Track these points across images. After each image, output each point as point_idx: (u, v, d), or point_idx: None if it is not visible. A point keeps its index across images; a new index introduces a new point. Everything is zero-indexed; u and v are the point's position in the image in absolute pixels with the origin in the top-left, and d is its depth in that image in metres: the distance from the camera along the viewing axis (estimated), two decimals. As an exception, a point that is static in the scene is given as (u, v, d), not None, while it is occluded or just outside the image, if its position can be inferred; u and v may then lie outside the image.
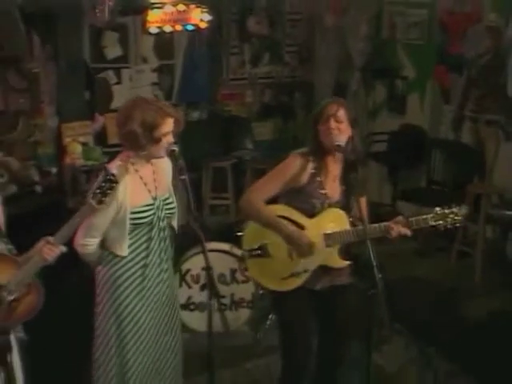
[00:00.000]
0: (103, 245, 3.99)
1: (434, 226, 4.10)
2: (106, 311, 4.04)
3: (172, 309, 4.23)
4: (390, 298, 3.79)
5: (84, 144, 7.90)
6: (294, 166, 4.22)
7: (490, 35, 7.64)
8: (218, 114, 9.50)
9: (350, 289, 4.41)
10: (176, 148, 3.90)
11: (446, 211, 4.10)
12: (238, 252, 5.65)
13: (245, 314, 6.10)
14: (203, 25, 8.11)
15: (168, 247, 4.13)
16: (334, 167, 4.26)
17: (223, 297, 5.87)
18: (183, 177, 3.87)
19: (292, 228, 4.20)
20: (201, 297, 5.88)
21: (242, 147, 9.19)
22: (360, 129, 8.94)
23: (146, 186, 3.98)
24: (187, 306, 5.90)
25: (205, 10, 7.93)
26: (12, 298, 3.35)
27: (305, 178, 4.20)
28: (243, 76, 9.79)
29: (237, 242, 4.82)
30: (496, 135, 7.64)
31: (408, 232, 4.11)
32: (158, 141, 3.85)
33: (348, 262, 4.32)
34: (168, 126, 3.87)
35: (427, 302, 6.37)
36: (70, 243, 3.61)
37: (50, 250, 3.37)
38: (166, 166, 4.09)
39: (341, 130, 4.11)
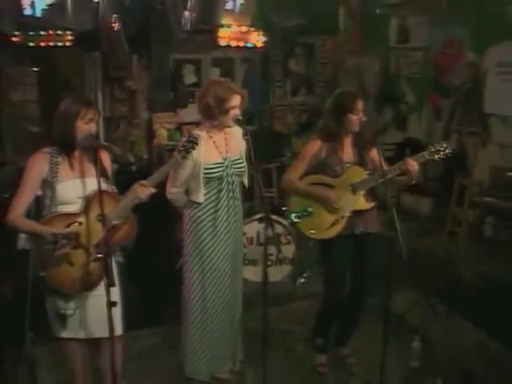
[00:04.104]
0: (187, 193, 3.91)
1: (430, 159, 3.97)
2: (189, 243, 3.95)
3: (238, 247, 4.11)
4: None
5: (168, 129, 7.92)
6: (314, 147, 4.10)
7: (470, 69, 7.63)
8: (266, 129, 9.39)
9: (376, 241, 4.21)
10: (241, 117, 3.75)
11: (437, 147, 3.95)
12: (283, 221, 5.48)
13: (286, 268, 5.93)
14: (259, 44, 8.11)
15: (235, 197, 3.95)
16: (347, 139, 4.12)
17: (272, 254, 5.74)
18: (247, 137, 3.70)
19: (320, 191, 4.08)
20: (253, 255, 5.72)
21: (284, 155, 8.99)
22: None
23: (217, 148, 3.86)
24: (242, 260, 5.66)
25: (261, 33, 7.91)
26: (112, 225, 3.23)
27: (323, 154, 4.08)
28: (285, 103, 9.70)
29: (282, 214, 4.80)
30: (475, 143, 7.55)
31: (416, 164, 3.89)
32: (226, 112, 3.73)
33: (373, 203, 4.16)
34: (235, 100, 3.75)
35: (428, 265, 6.19)
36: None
37: (143, 190, 3.26)
38: (238, 134, 3.92)
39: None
